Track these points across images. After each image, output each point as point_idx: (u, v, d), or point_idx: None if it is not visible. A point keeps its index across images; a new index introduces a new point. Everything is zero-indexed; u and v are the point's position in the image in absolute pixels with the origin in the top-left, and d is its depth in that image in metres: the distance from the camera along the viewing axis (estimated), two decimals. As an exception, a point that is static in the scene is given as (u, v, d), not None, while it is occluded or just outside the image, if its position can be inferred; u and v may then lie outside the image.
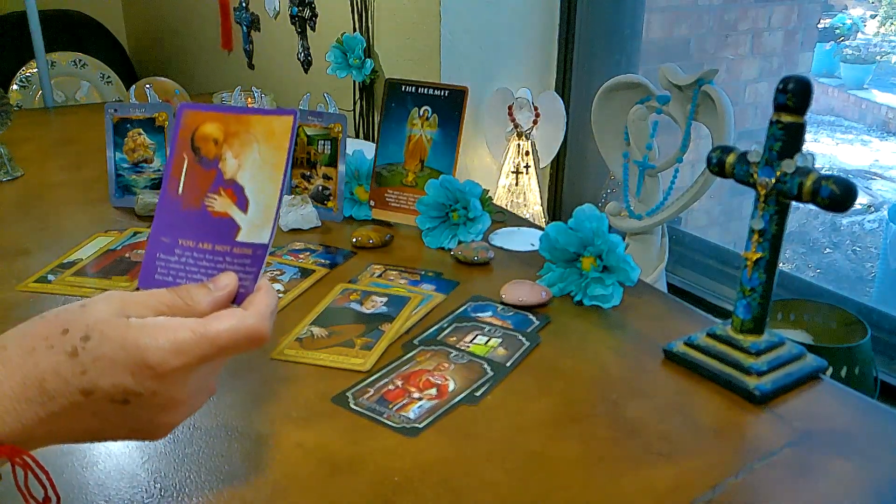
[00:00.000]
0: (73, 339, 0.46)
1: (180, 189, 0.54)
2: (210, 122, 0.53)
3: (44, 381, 0.45)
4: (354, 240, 1.05)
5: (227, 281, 0.51)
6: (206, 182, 0.53)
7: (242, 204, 0.52)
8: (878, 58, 4.89)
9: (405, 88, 1.10)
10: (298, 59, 2.05)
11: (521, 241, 1.07)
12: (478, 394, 0.71)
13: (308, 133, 1.15)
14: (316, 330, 0.83)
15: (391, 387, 0.72)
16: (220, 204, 0.53)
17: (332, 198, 1.14)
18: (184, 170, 0.54)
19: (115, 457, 0.63)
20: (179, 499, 0.58)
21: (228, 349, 0.48)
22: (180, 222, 0.53)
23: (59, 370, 0.45)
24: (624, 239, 1.06)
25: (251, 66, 2.38)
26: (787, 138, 0.67)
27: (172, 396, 0.47)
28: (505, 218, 1.16)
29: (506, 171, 1.50)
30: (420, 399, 0.70)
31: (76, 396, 0.45)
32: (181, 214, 0.53)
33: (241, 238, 0.52)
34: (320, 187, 1.15)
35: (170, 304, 0.49)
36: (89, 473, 0.61)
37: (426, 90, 1.08)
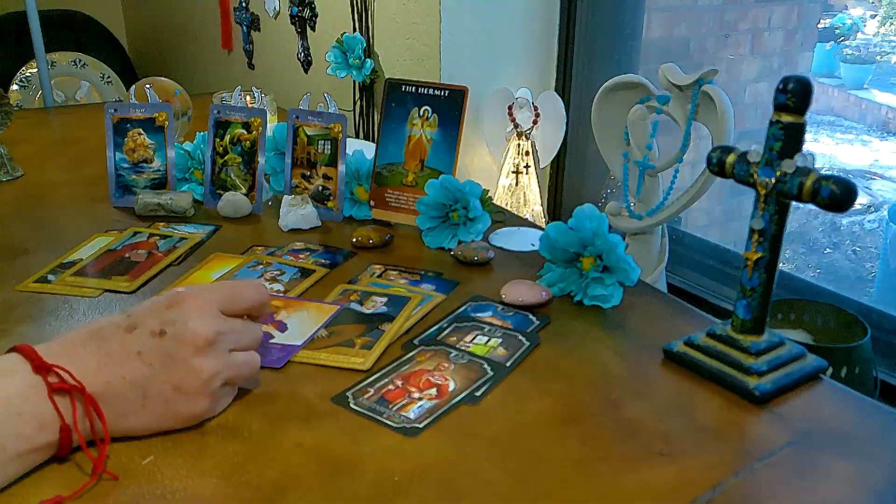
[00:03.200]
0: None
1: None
2: (276, 301, 0.87)
3: (101, 329, 0.62)
4: (354, 240, 1.05)
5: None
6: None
7: (282, 329, 0.82)
8: (878, 58, 4.88)
9: (405, 88, 1.10)
10: (298, 59, 2.05)
11: (521, 241, 1.07)
12: (478, 394, 0.71)
13: (308, 133, 1.15)
14: (316, 330, 0.82)
15: (391, 387, 0.72)
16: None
17: (332, 198, 1.14)
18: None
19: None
20: (180, 499, 0.58)
21: (235, 289, 0.68)
22: None
23: (112, 319, 0.63)
24: (624, 239, 1.06)
25: (251, 66, 2.39)
26: (787, 138, 0.67)
27: (196, 331, 0.62)
28: (505, 218, 1.16)
29: (506, 171, 1.50)
30: (420, 399, 0.70)
31: (122, 334, 0.61)
32: None
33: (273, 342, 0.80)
34: (320, 187, 1.15)
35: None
36: (89, 473, 0.61)
37: (426, 90, 1.08)
